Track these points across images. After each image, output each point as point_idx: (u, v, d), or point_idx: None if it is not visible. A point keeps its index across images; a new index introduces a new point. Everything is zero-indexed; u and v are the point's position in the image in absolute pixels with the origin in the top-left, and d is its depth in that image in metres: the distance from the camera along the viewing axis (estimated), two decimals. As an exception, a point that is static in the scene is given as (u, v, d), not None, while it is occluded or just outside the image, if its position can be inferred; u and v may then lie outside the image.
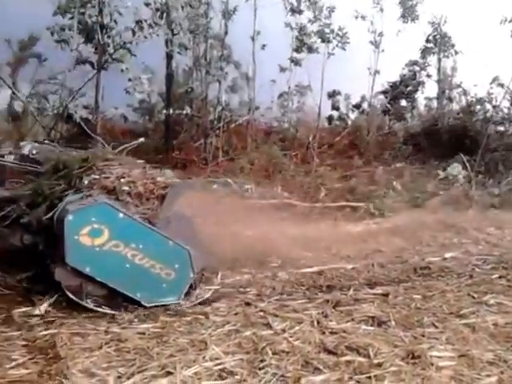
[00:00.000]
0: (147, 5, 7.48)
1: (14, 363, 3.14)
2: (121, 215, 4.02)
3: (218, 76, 9.83)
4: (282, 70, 12.84)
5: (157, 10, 7.40)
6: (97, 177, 4.52)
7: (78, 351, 3.31)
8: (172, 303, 4.15)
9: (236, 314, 4.08)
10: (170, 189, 4.47)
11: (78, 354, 3.27)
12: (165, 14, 7.40)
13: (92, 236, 3.92)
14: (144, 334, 3.65)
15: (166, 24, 7.36)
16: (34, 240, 4.38)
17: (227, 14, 10.13)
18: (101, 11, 6.96)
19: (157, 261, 4.10)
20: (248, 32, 11.12)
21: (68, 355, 3.23)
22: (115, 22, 7.13)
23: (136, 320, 3.90)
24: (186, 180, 5.15)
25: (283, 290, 4.80)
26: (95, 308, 3.98)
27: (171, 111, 9.49)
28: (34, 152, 5.32)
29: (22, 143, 5.58)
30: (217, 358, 3.25)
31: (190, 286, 4.28)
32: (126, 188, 4.39)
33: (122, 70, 7.20)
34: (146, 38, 7.14)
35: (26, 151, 5.35)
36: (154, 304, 4.10)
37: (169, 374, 3.04)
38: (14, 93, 8.85)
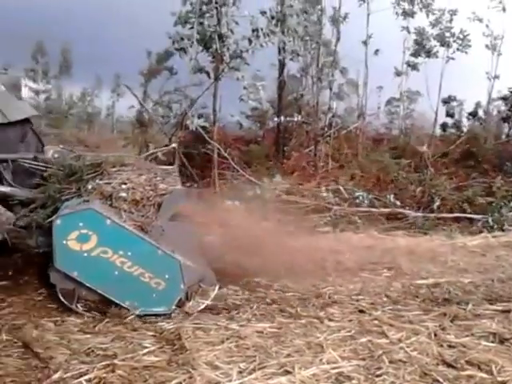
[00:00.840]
0: (263, 13, 7.72)
1: (145, 350, 3.40)
2: (108, 222, 4.00)
3: (329, 83, 9.87)
4: (397, 74, 12.62)
5: (272, 17, 7.62)
6: (100, 182, 4.50)
7: (201, 344, 3.51)
8: (161, 314, 4.05)
9: (350, 320, 4.10)
10: (167, 196, 4.45)
11: (201, 347, 3.47)
12: (279, 22, 7.61)
13: (80, 241, 3.94)
14: (262, 332, 3.78)
15: (281, 31, 7.55)
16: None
17: (339, 20, 10.13)
18: (219, 21, 7.28)
19: (146, 269, 4.02)
20: (355, 38, 11.08)
21: (193, 348, 3.43)
22: (231, 31, 7.41)
23: (253, 319, 4.05)
24: (189, 188, 4.91)
25: (397, 299, 4.73)
26: (84, 313, 4.02)
27: (282, 118, 9.69)
28: (56, 156, 5.29)
29: (46, 147, 5.55)
30: (333, 362, 3.30)
31: (186, 297, 4.17)
32: (124, 194, 4.38)
33: (238, 79, 7.48)
34: (261, 46, 7.36)
35: (49, 155, 5.35)
36: (142, 313, 4.02)
37: (288, 373, 3.14)
38: (140, 102, 9.54)
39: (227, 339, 3.62)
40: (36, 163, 4.97)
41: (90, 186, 4.44)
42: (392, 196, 7.73)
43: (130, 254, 3.98)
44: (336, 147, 9.63)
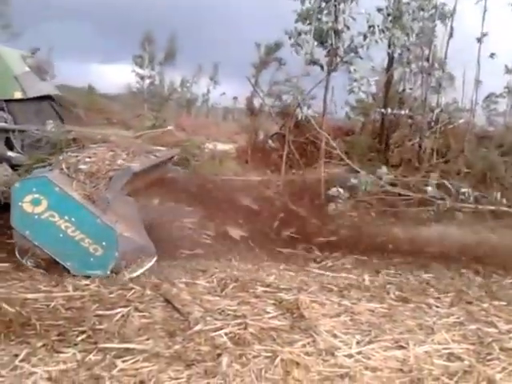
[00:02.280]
0: (379, 10, 7.89)
1: (270, 315, 3.82)
2: (57, 189, 4.45)
3: (438, 79, 9.80)
4: (508, 71, 12.21)
5: (388, 14, 7.78)
6: (69, 155, 5.02)
7: (319, 316, 3.87)
8: (97, 276, 4.34)
9: (458, 308, 4.29)
10: (119, 171, 4.76)
11: (319, 317, 3.83)
12: (395, 19, 7.73)
13: (33, 204, 4.42)
14: (373, 311, 4.08)
15: (398, 28, 7.68)
16: None
17: (452, 17, 10.00)
18: (336, 18, 7.55)
19: (86, 235, 4.41)
20: (467, 35, 10.83)
21: (311, 317, 3.80)
22: (347, 27, 7.65)
23: (364, 299, 4.35)
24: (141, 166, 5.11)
25: (504, 295, 4.83)
26: (34, 268, 4.43)
27: (388, 111, 9.77)
28: (51, 128, 5.98)
29: (47, 121, 6.18)
30: (444, 343, 3.55)
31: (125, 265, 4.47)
32: (83, 167, 4.78)
33: (350, 72, 7.71)
34: (376, 42, 7.55)
35: (48, 128, 6.02)
36: (81, 274, 4.36)
37: (402, 347, 3.43)
38: (255, 91, 10.04)
39: (342, 314, 3.96)
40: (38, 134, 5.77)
41: (60, 157, 5.00)
42: (499, 194, 7.65)
43: (73, 219, 4.43)
44: (442, 142, 9.58)
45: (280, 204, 6.90)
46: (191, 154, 8.09)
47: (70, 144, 5.48)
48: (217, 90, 51.88)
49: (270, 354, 3.16)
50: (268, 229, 6.19)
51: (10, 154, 5.83)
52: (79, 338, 3.26)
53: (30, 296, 3.82)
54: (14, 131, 5.94)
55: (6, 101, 6.17)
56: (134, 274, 4.49)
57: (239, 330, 3.50)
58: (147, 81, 47.56)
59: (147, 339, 3.32)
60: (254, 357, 3.13)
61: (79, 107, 26.29)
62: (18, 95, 6.24)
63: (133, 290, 4.07)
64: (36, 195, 4.43)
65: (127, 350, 3.16)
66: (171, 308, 3.84)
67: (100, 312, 3.65)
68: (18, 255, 4.57)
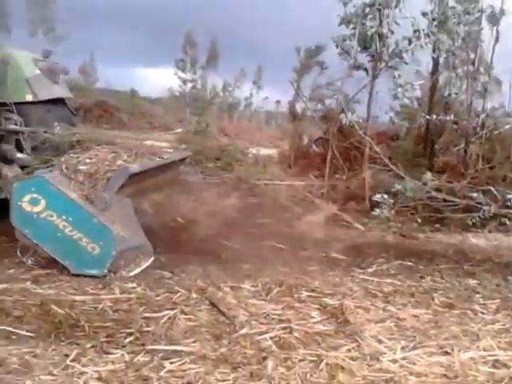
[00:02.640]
0: (424, 14, 7.80)
1: (314, 320, 3.83)
2: (54, 189, 4.56)
3: (485, 83, 9.59)
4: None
5: (433, 19, 7.68)
6: (71, 156, 5.12)
7: (363, 321, 3.85)
8: (95, 275, 4.44)
9: (504, 315, 4.20)
10: (116, 172, 4.80)
11: (364, 323, 3.82)
12: (440, 24, 7.62)
13: (31, 204, 4.54)
14: (418, 317, 4.03)
15: (444, 32, 7.57)
16: None
17: (498, 21, 9.77)
18: (380, 22, 7.51)
19: (84, 234, 4.49)
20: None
21: (356, 322, 3.80)
22: (392, 31, 7.60)
23: (409, 304, 4.31)
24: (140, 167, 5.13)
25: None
26: (34, 266, 4.60)
27: (433, 116, 9.61)
28: (57, 131, 6.08)
29: (54, 124, 6.26)
30: (490, 350, 3.48)
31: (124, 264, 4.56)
32: (82, 167, 4.87)
33: (394, 77, 7.65)
34: (421, 46, 7.47)
35: (56, 131, 6.13)
36: (79, 273, 4.47)
37: (446, 354, 3.39)
38: (298, 95, 10.07)
39: (387, 319, 3.93)
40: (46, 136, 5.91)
41: (62, 159, 5.09)
42: (547, 201, 7.43)
43: (71, 219, 4.52)
44: (487, 147, 9.37)
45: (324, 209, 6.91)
46: (234, 159, 8.20)
47: (74, 146, 5.61)
48: (259, 94, 52.44)
49: (314, 358, 3.18)
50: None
51: (19, 155, 6.01)
52: (127, 340, 3.36)
53: (78, 298, 3.95)
54: (23, 133, 6.11)
55: (16, 103, 6.25)
56: (132, 273, 4.61)
57: (284, 334, 3.53)
58: (189, 84, 48.42)
59: (194, 342, 3.38)
60: (300, 360, 3.15)
61: (122, 111, 26.74)
62: (28, 98, 6.33)
63: (179, 293, 4.15)
64: (34, 195, 4.56)
65: (174, 351, 3.23)
66: (217, 311, 3.90)
67: (147, 314, 3.74)
68: (19, 253, 4.75)
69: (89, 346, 3.24)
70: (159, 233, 5.28)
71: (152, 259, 4.87)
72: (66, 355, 3.10)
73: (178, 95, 46.90)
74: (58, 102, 6.72)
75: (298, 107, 10.49)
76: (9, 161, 5.88)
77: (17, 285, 4.05)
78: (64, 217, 4.53)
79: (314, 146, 8.11)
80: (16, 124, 6.16)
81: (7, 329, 3.39)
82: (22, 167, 5.80)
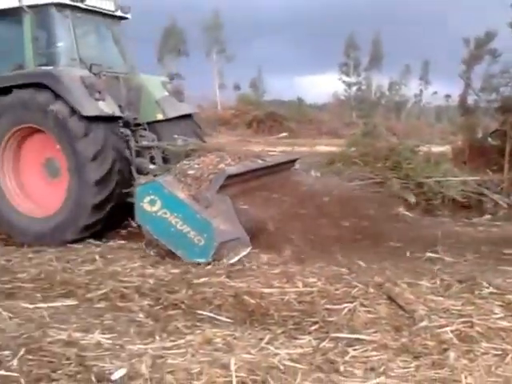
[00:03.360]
0: None
1: (497, 316, 3.76)
2: (166, 191, 5.33)
3: None
4: None
5: None
6: (184, 162, 5.90)
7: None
8: (202, 263, 5.03)
9: None
10: (217, 175, 5.49)
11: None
12: None
13: (150, 204, 5.34)
14: None
15: None
16: None
17: None
18: None
19: (191, 228, 5.19)
20: None
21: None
22: None
23: None
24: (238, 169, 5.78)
25: None
26: (156, 257, 5.37)
27: None
28: (179, 144, 6.92)
29: (175, 136, 7.05)
30: None
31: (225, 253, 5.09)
32: (191, 172, 5.62)
33: None
34: None
35: (179, 143, 6.92)
36: (189, 261, 5.10)
37: None
38: (469, 87, 9.66)
39: None
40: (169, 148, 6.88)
41: (177, 165, 5.90)
42: None
43: (181, 216, 5.25)
44: None
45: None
46: (404, 158, 8.14)
47: (189, 154, 6.38)
48: (427, 89, 50.32)
49: (499, 352, 3.18)
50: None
51: (151, 167, 6.89)
52: (312, 328, 3.67)
53: (266, 291, 4.34)
54: (154, 148, 7.06)
55: (149, 123, 7.31)
56: (232, 261, 5.11)
57: (465, 327, 3.55)
58: (354, 88, 48.36)
59: (375, 332, 3.58)
60: (483, 353, 3.17)
61: (290, 120, 28.00)
62: (159, 117, 7.34)
63: (356, 288, 4.35)
64: (152, 196, 5.39)
65: (357, 340, 3.46)
66: (395, 306, 4.03)
67: (328, 306, 4.01)
68: (144, 246, 5.67)
69: (279, 331, 3.62)
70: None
71: (249, 249, 5.32)
72: (261, 339, 3.50)
73: (344, 99, 47.11)
74: (185, 117, 7.60)
75: (470, 99, 10.00)
76: (144, 173, 6.68)
77: (214, 279, 4.59)
78: (175, 214, 5.31)
79: (490, 139, 7.69)
80: (149, 141, 7.17)
81: (210, 315, 3.93)
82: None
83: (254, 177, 6.12)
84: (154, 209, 5.37)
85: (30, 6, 6.72)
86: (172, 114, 7.37)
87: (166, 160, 7.00)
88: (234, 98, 38.25)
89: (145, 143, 7.13)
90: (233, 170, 5.72)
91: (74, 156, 6.22)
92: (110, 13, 7.46)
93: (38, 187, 6.81)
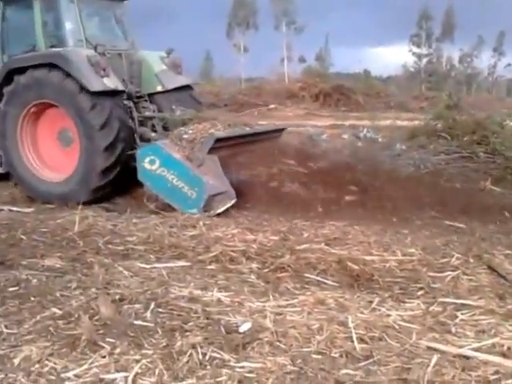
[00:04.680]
0: None
1: None
2: (164, 152, 6.28)
3: None
4: None
5: None
6: (180, 129, 6.71)
7: None
8: (195, 213, 5.94)
9: None
10: (207, 138, 6.33)
11: None
12: None
13: (150, 163, 6.26)
14: None
15: None
16: None
17: None
18: None
19: (185, 184, 6.11)
20: None
21: None
22: None
23: None
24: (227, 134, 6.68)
25: None
26: (154, 209, 6.27)
27: None
28: (178, 113, 7.62)
29: (174, 108, 7.78)
30: None
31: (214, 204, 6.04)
32: (185, 136, 6.48)
33: None
34: None
35: (177, 113, 7.63)
36: (184, 212, 6.00)
37: None
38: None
39: None
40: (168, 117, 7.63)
41: (174, 131, 6.75)
42: None
43: (176, 173, 6.17)
44: None
45: None
46: (491, 132, 8.00)
47: (185, 123, 7.10)
48: (501, 61, 47.98)
49: None
50: None
51: (153, 135, 7.60)
52: (419, 293, 3.86)
53: (367, 258, 4.54)
54: (155, 118, 7.79)
55: (150, 94, 8.09)
56: (219, 211, 6.07)
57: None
58: (424, 60, 46.79)
59: (479, 298, 3.74)
60: None
61: (357, 93, 27.36)
62: (159, 88, 8.14)
63: (455, 257, 4.48)
64: (152, 157, 6.30)
65: (463, 305, 3.63)
66: (496, 275, 4.15)
67: (431, 274, 4.18)
68: (145, 201, 6.56)
69: (386, 295, 3.83)
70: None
71: (234, 201, 6.20)
72: (370, 301, 3.72)
73: (413, 71, 45.75)
74: (184, 88, 8.38)
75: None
76: (146, 140, 7.51)
77: (315, 246, 4.83)
78: (171, 171, 6.21)
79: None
80: (150, 111, 7.96)
81: (317, 278, 4.18)
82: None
83: (241, 142, 6.92)
84: (154, 167, 6.29)
85: None
86: (170, 86, 8.16)
87: (165, 128, 7.65)
88: (299, 70, 37.93)
89: (147, 114, 7.90)
90: (221, 134, 6.58)
91: (84, 126, 7.03)
92: None
93: (54, 155, 7.73)
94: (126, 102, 7.64)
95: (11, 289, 3.97)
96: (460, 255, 4.52)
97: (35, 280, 4.14)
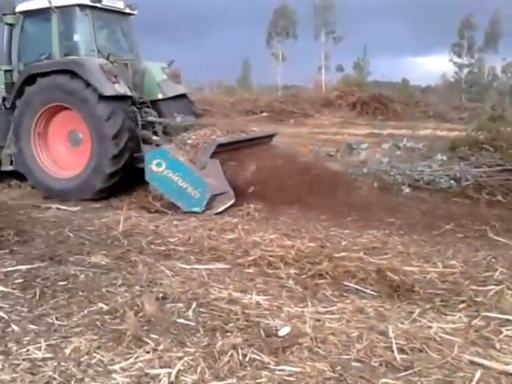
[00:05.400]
0: None
1: None
2: (170, 155, 6.76)
3: None
4: None
5: None
6: (184, 135, 7.26)
7: None
8: (198, 211, 6.47)
9: None
10: (209, 143, 6.88)
11: None
12: None
13: (157, 166, 6.73)
14: None
15: None
16: None
17: None
18: None
19: (189, 184, 6.58)
20: None
21: None
22: None
23: None
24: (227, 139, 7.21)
25: None
26: (161, 208, 6.80)
27: None
28: (179, 120, 8.23)
29: (175, 114, 8.42)
30: None
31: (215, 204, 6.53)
32: (189, 141, 7.01)
33: None
34: None
35: (178, 120, 8.23)
36: (187, 211, 6.53)
37: None
38: None
39: None
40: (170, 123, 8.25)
41: (178, 137, 7.25)
42: None
43: (181, 174, 6.65)
44: None
45: None
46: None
47: (187, 129, 7.70)
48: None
49: None
50: None
51: (154, 138, 8.19)
52: (461, 306, 3.81)
53: (406, 268, 4.50)
54: (156, 122, 8.36)
55: (152, 101, 8.77)
56: (219, 210, 6.52)
57: None
58: (465, 70, 45.94)
59: (525, 315, 3.65)
60: None
61: (395, 102, 26.95)
62: (159, 96, 8.83)
63: (498, 271, 4.39)
64: (159, 160, 6.77)
65: (508, 321, 3.55)
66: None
67: (473, 287, 4.11)
68: (151, 200, 7.13)
69: (427, 307, 3.79)
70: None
71: (233, 201, 6.63)
72: (410, 312, 3.70)
73: (453, 81, 44.99)
74: (182, 97, 9.12)
75: None
76: (148, 142, 8.02)
77: (353, 254, 4.83)
78: (177, 173, 6.67)
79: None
80: (151, 116, 8.51)
81: (356, 287, 4.17)
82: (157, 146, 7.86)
83: (238, 146, 7.45)
84: (160, 169, 6.75)
85: (57, 7, 8.15)
86: (170, 94, 8.88)
87: (165, 132, 8.27)
88: (337, 79, 37.80)
89: (150, 118, 8.50)
90: (222, 140, 7.13)
91: (95, 128, 7.51)
92: (121, 10, 8.89)
93: (63, 154, 8.25)
94: (130, 107, 8.17)
95: (61, 283, 4.13)
96: (504, 269, 4.44)
97: (82, 276, 4.29)
